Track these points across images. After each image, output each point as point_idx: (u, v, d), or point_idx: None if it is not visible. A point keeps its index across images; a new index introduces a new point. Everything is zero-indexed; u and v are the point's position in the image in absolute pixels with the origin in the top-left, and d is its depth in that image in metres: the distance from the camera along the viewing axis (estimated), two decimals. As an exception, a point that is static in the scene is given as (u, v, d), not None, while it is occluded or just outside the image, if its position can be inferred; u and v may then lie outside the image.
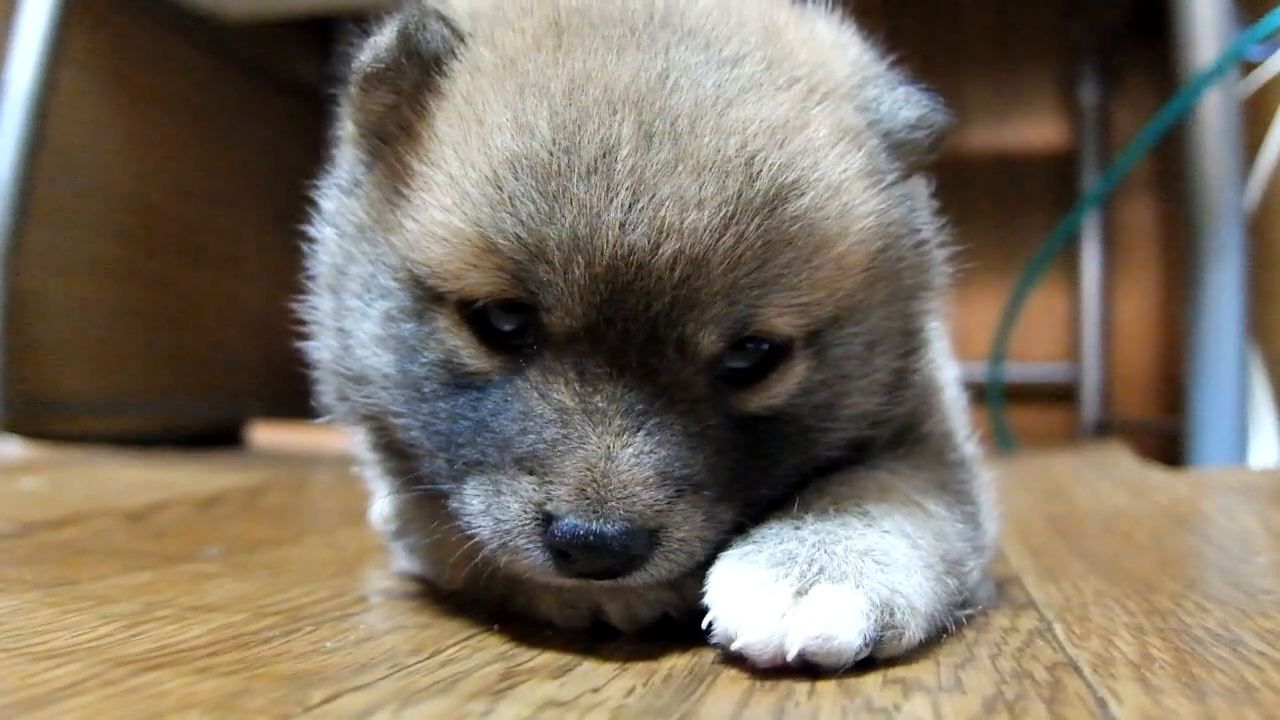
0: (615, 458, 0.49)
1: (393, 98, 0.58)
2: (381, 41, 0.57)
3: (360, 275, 0.58)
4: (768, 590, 0.48)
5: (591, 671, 0.49)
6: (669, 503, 0.49)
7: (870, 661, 0.50)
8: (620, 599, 0.54)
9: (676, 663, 0.51)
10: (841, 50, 0.59)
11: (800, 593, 0.48)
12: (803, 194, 0.50)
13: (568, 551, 0.49)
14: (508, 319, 0.52)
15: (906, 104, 0.57)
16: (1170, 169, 2.05)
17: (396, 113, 0.58)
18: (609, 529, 0.48)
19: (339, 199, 0.61)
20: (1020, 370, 2.29)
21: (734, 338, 0.51)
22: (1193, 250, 1.46)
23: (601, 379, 0.50)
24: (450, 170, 0.52)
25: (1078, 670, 0.50)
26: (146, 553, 0.80)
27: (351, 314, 0.58)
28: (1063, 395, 2.43)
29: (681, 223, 0.48)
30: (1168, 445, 2.05)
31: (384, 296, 0.56)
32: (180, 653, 0.50)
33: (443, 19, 0.57)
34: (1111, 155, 2.38)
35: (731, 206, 0.48)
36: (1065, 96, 2.46)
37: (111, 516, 0.97)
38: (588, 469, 0.48)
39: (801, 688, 0.47)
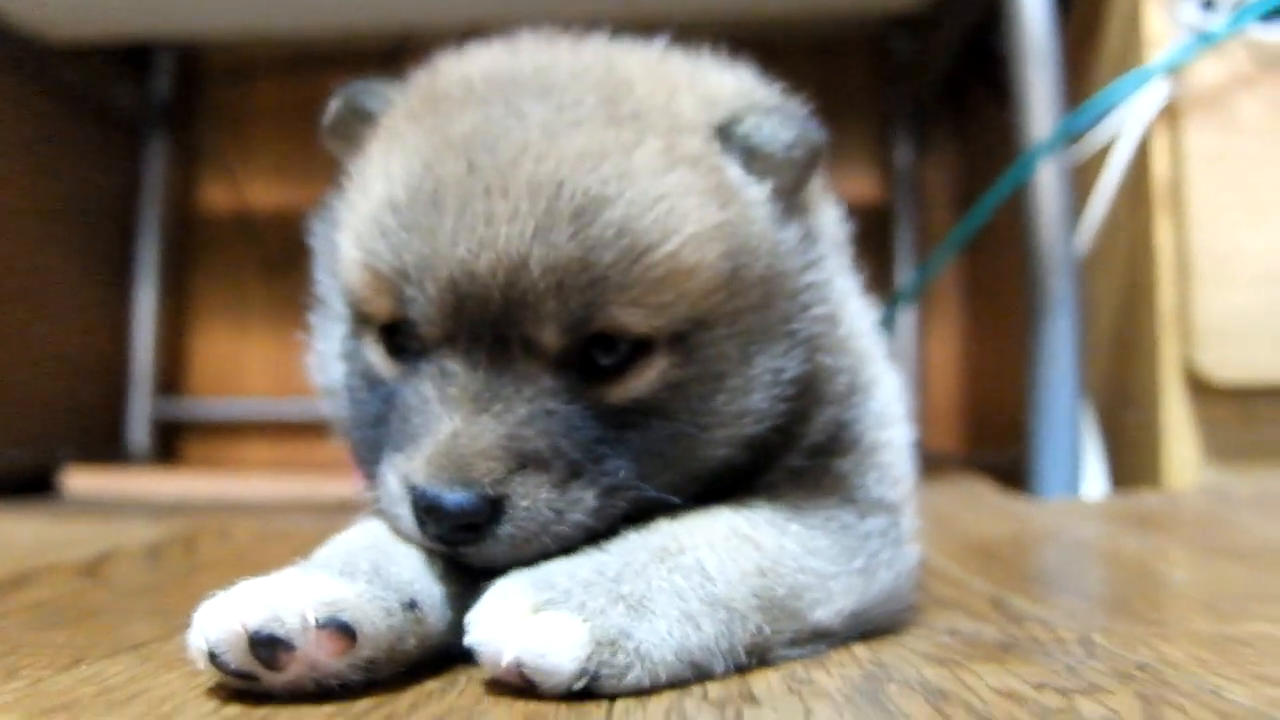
0: (460, 435, 0.56)
1: (341, 147, 0.70)
2: (334, 103, 0.69)
3: (330, 298, 0.68)
4: (510, 603, 0.53)
5: None
6: (508, 473, 0.56)
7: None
8: None
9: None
10: (692, 88, 0.67)
11: (535, 610, 0.52)
12: (613, 206, 0.58)
13: (423, 517, 0.56)
14: (404, 334, 0.61)
15: (782, 128, 0.66)
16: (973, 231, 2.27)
17: (343, 163, 0.69)
18: (449, 494, 0.55)
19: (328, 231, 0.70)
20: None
21: (578, 334, 0.59)
22: (1032, 303, 1.64)
23: (458, 375, 0.58)
24: (350, 211, 0.63)
25: (1164, 667, 0.58)
26: (141, 610, 0.75)
27: (324, 333, 0.69)
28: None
29: (497, 236, 0.57)
30: (976, 475, 2.25)
31: (341, 319, 0.67)
32: None
33: (380, 91, 0.69)
34: (923, 212, 2.61)
35: (541, 219, 0.57)
36: (880, 156, 2.67)
37: (65, 571, 0.90)
38: (437, 445, 0.56)
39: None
